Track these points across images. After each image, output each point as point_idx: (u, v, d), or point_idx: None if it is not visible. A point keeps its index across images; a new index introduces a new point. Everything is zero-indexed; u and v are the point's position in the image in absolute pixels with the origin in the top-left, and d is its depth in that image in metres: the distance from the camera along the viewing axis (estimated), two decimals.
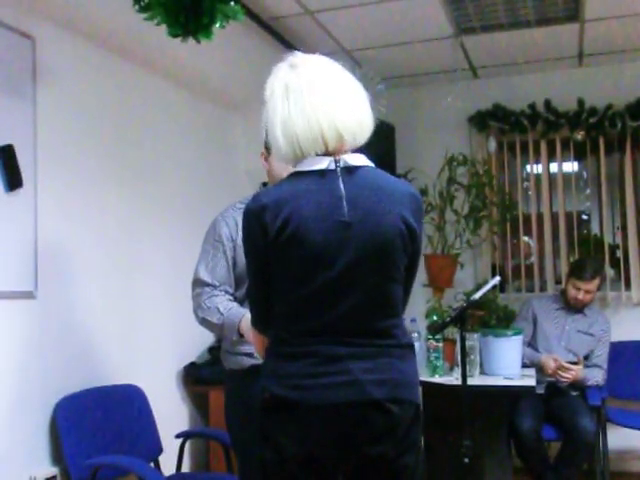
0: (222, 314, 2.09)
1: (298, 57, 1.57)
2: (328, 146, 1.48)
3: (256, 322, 1.65)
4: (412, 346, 1.57)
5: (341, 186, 1.47)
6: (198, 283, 2.19)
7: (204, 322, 2.17)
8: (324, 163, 1.48)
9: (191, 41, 2.21)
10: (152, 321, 3.32)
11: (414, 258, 1.56)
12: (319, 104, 1.47)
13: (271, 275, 1.50)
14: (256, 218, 1.48)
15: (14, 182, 2.52)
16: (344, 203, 1.45)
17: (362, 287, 1.47)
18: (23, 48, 2.60)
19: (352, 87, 1.54)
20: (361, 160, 1.52)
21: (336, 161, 1.48)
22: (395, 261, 1.49)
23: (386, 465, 1.48)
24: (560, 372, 3.53)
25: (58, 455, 2.63)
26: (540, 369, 3.57)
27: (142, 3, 2.16)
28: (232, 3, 2.18)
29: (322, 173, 1.48)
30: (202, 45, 2.23)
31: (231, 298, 2.15)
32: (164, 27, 2.17)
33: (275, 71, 1.56)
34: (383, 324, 1.50)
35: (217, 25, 2.17)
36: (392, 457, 1.47)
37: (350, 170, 1.49)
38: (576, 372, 3.53)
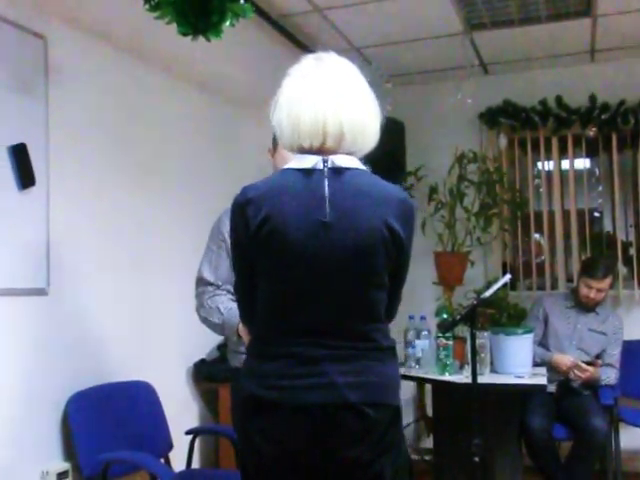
0: (222, 314, 2.10)
1: (327, 54, 1.57)
2: (326, 141, 1.47)
3: (243, 318, 1.66)
4: (393, 349, 1.55)
5: (326, 186, 1.45)
6: (201, 282, 2.20)
7: (205, 321, 2.18)
8: (312, 162, 1.47)
9: (201, 39, 2.21)
10: (163, 318, 3.34)
11: (400, 264, 1.53)
12: (330, 98, 1.47)
13: (254, 271, 1.51)
14: (240, 211, 1.48)
15: (27, 180, 2.54)
16: (326, 203, 1.44)
17: (340, 289, 1.46)
18: (35, 48, 2.62)
19: (368, 96, 1.54)
20: (350, 162, 1.49)
21: (324, 161, 1.47)
22: (375, 266, 1.46)
23: (362, 468, 1.47)
24: (575, 371, 3.51)
25: (70, 450, 2.66)
26: (551, 368, 3.55)
27: (152, 2, 2.17)
28: (241, 1, 2.18)
29: (309, 172, 1.47)
30: (212, 43, 2.23)
31: (233, 298, 2.12)
32: (174, 26, 2.18)
33: (301, 60, 1.57)
34: (362, 328, 1.48)
35: (227, 23, 2.17)
36: (367, 460, 1.46)
37: (338, 171, 1.47)
38: (591, 374, 3.51)
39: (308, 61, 1.55)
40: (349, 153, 1.50)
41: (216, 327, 2.16)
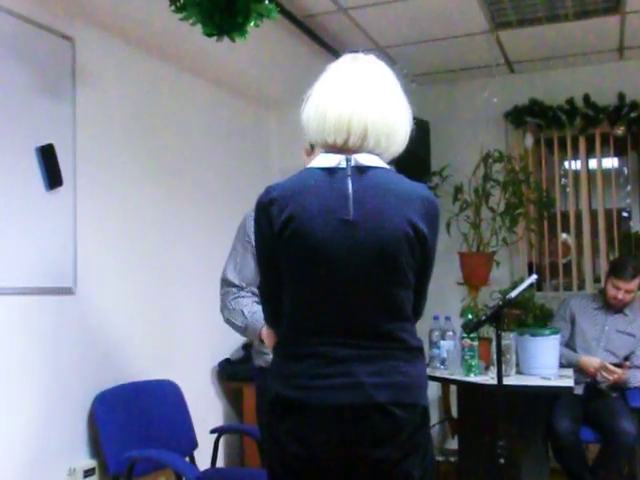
0: (246, 317, 2.11)
1: (366, 56, 1.57)
2: (350, 138, 1.47)
3: (267, 319, 1.66)
4: (421, 349, 1.54)
5: (349, 185, 1.45)
6: (225, 282, 2.21)
7: (228, 322, 2.20)
8: (335, 160, 1.48)
9: (226, 40, 2.22)
10: (187, 318, 3.37)
11: (425, 263, 1.51)
12: (359, 97, 1.47)
13: (280, 271, 1.50)
14: (264, 211, 1.48)
15: (54, 181, 2.58)
16: (350, 202, 1.44)
17: (366, 289, 1.45)
18: (63, 49, 2.66)
19: (399, 101, 1.53)
20: (373, 161, 1.49)
21: (347, 160, 1.47)
22: (400, 264, 1.45)
23: (390, 468, 1.46)
24: (603, 373, 3.46)
25: (96, 448, 2.69)
26: (578, 369, 3.50)
27: (178, 3, 2.19)
28: (266, 2, 2.19)
29: (332, 170, 1.47)
30: (237, 44, 2.24)
31: (257, 300, 2.14)
32: (199, 27, 2.19)
33: (340, 58, 1.58)
34: (389, 327, 1.47)
35: (251, 24, 2.18)
36: (395, 460, 1.45)
37: (361, 170, 1.47)
38: (619, 376, 3.45)
39: (345, 59, 1.56)
40: (374, 154, 1.50)
41: (239, 329, 2.17)
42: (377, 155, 1.50)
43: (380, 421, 1.43)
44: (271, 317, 1.63)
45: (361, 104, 1.47)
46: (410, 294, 1.51)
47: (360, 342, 1.45)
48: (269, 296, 1.60)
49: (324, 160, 1.49)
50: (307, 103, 1.53)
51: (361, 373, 1.43)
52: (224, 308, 2.20)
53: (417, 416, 1.48)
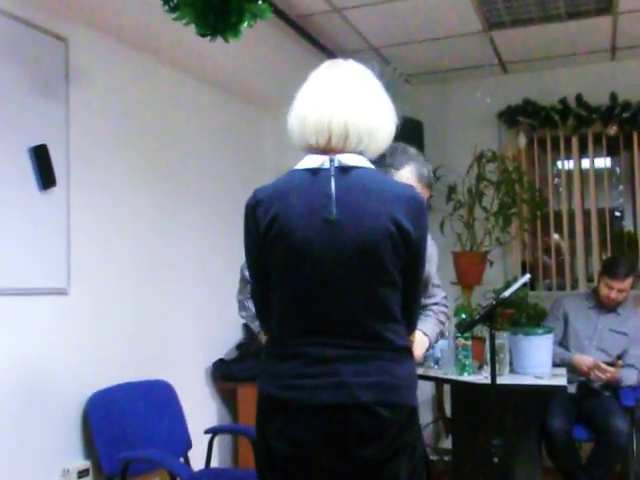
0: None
1: (345, 60, 1.60)
2: (332, 139, 1.49)
3: (258, 319, 1.68)
4: (409, 349, 1.54)
5: (332, 185, 1.47)
6: (243, 277, 2.26)
7: (242, 317, 2.26)
8: (319, 161, 1.49)
9: (220, 40, 2.22)
10: (182, 318, 3.36)
11: (413, 262, 1.50)
12: (338, 98, 1.50)
13: (268, 272, 1.52)
14: (251, 212, 1.51)
15: (48, 181, 2.57)
16: (332, 201, 1.45)
17: (350, 288, 1.45)
18: (56, 50, 2.65)
19: (380, 99, 1.56)
20: (357, 160, 1.50)
21: (331, 160, 1.49)
22: (383, 263, 1.45)
23: (376, 468, 1.46)
24: (596, 372, 3.47)
25: (90, 449, 2.69)
26: (571, 369, 3.51)
27: (171, 3, 2.19)
28: (260, 2, 2.19)
29: (316, 171, 1.49)
30: (231, 44, 2.24)
31: None
32: (193, 27, 2.19)
33: (320, 66, 1.61)
34: (375, 327, 1.47)
35: (245, 24, 2.18)
36: (381, 460, 1.45)
37: (344, 170, 1.48)
38: (612, 374, 3.46)
39: (323, 66, 1.59)
40: (356, 153, 1.51)
41: (252, 330, 2.23)
42: (360, 153, 1.51)
43: (365, 421, 1.44)
44: (262, 318, 1.64)
45: (341, 104, 1.49)
46: (397, 294, 1.50)
47: (346, 342, 1.45)
48: (259, 297, 1.62)
49: (308, 161, 1.51)
50: (291, 113, 1.56)
51: (346, 373, 1.44)
52: (240, 304, 2.26)
53: (404, 416, 1.48)
